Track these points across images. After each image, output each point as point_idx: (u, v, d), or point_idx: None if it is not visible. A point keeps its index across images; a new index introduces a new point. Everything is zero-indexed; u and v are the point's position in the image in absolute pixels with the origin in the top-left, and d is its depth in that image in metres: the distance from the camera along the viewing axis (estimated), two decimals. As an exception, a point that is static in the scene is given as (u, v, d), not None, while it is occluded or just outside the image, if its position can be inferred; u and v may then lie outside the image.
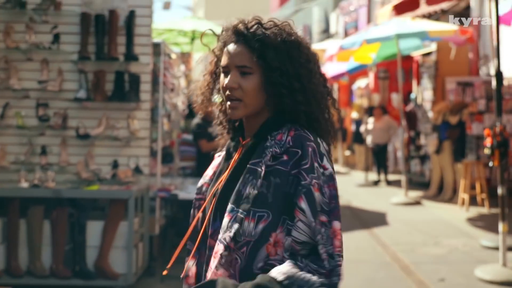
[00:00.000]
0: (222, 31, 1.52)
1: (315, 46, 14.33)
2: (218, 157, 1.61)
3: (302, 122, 1.45)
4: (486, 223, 7.53)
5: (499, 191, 5.33)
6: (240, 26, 1.47)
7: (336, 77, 12.09)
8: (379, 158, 11.37)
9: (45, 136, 4.86)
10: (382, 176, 11.51)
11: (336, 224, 1.35)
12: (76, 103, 4.82)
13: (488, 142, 5.21)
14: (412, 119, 12.37)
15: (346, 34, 16.46)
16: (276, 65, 1.44)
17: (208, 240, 1.44)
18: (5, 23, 4.75)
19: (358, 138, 13.60)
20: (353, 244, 6.62)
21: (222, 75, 1.49)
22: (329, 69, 11.75)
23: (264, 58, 1.44)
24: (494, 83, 5.30)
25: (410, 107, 13.03)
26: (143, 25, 4.84)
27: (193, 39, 8.73)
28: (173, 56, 5.52)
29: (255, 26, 1.47)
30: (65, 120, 4.83)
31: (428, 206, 8.87)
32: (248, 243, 1.35)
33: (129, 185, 4.73)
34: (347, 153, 15.46)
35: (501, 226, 5.27)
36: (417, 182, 10.75)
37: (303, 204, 1.34)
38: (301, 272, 1.27)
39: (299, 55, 1.47)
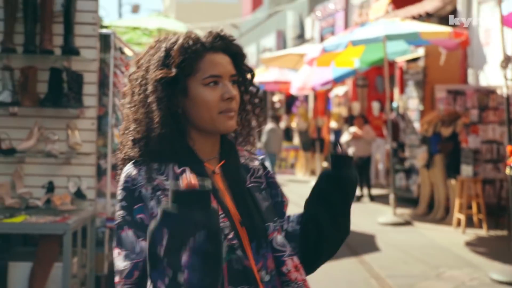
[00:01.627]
0: (190, 43, 1.41)
1: (291, 51, 13.45)
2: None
3: (245, 141, 1.56)
4: (489, 249, 6.67)
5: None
6: (221, 36, 1.46)
7: (320, 86, 11.13)
8: (362, 171, 10.47)
9: (-42, 151, 3.78)
10: (365, 191, 10.63)
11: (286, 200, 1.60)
12: (-2, 108, 3.75)
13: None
14: (394, 129, 11.59)
15: (322, 40, 15.64)
16: (243, 78, 1.50)
17: (255, 275, 1.39)
18: None
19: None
20: (343, 276, 5.66)
21: (204, 88, 1.40)
22: (311, 75, 10.78)
23: (241, 68, 1.48)
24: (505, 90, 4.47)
25: (392, 116, 12.27)
26: (87, 10, 3.81)
27: (158, 38, 7.69)
28: (128, 52, 4.47)
29: (229, 37, 1.47)
30: (-16, 130, 3.75)
31: (419, 227, 7.98)
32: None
33: (68, 214, 3.68)
34: (325, 164, 14.57)
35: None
36: (403, 198, 9.87)
37: (286, 199, 1.58)
38: None
39: (253, 70, 1.54)
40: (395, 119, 10.66)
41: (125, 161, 1.43)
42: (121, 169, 1.43)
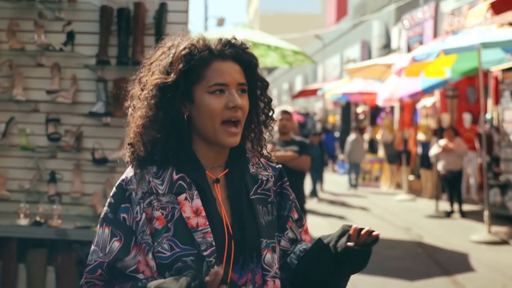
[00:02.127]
0: (196, 50, 1.42)
1: (377, 61, 13.13)
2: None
3: (256, 149, 1.54)
4: None
5: None
6: (232, 44, 1.45)
7: (408, 97, 10.76)
8: (452, 186, 9.99)
9: (55, 160, 3.92)
10: (456, 207, 10.12)
11: (306, 224, 1.60)
12: (92, 118, 3.86)
13: None
14: (487, 142, 10.98)
15: (409, 50, 15.19)
16: (255, 87, 1.48)
17: None
18: (10, 20, 3.85)
19: (425, 162, 12.24)
20: (435, 297, 5.37)
21: (209, 96, 1.40)
22: (399, 86, 10.43)
23: (252, 78, 1.46)
24: None
25: (485, 129, 11.65)
26: (177, 22, 3.84)
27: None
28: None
29: (242, 45, 1.46)
30: (79, 140, 3.87)
31: (517, 247, 7.48)
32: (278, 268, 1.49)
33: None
34: (411, 177, 14.08)
35: None
36: (497, 215, 9.30)
37: (296, 215, 1.56)
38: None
39: (266, 80, 1.52)
40: (489, 131, 10.12)
41: (131, 162, 1.44)
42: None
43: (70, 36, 3.80)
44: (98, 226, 1.40)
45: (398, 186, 14.34)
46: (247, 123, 1.48)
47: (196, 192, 1.39)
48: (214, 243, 1.36)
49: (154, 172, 1.40)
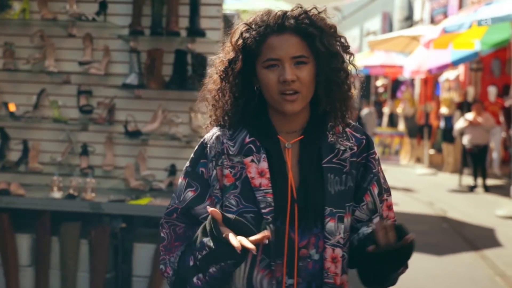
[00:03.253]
0: (254, 27, 1.49)
1: (401, 33, 12.87)
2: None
3: (338, 119, 1.53)
4: None
5: None
6: (288, 15, 1.47)
7: (437, 69, 10.54)
8: (477, 160, 9.85)
9: (87, 132, 3.87)
10: (480, 181, 10.00)
11: (390, 198, 1.60)
12: (125, 91, 3.79)
13: None
14: (510, 116, 10.79)
15: (433, 22, 14.86)
16: (326, 55, 1.47)
17: (299, 251, 1.46)
18: (41, -12, 3.76)
19: (448, 136, 12.06)
20: (466, 273, 5.31)
21: (265, 71, 1.47)
22: (427, 58, 10.20)
23: (315, 47, 1.46)
24: None
25: (508, 103, 11.43)
26: (212, -9, 3.73)
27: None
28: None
29: (303, 15, 1.47)
30: (112, 112, 3.81)
31: (545, 223, 7.37)
32: (349, 237, 1.52)
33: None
34: (431, 151, 13.93)
35: None
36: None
37: (375, 190, 1.55)
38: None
39: (341, 47, 1.52)
40: (513, 105, 9.93)
41: (211, 126, 1.57)
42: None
43: (103, 5, 3.71)
44: (180, 177, 1.55)
45: (418, 160, 14.20)
46: (325, 93, 1.50)
47: (264, 155, 1.48)
48: (273, 204, 1.45)
49: (230, 134, 1.51)
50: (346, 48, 1.53)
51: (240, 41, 1.48)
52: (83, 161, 3.80)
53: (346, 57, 1.53)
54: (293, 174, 1.49)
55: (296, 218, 1.46)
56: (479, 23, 6.88)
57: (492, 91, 11.89)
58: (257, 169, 1.47)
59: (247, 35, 1.48)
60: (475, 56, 9.59)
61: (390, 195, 1.59)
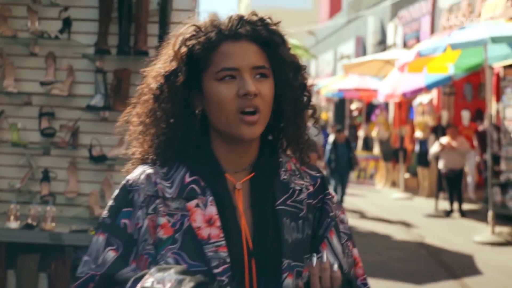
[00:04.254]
0: (201, 31, 1.21)
1: (375, 57, 12.90)
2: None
3: (284, 147, 1.30)
4: None
5: None
6: (245, 20, 1.22)
7: (411, 93, 10.56)
8: (453, 185, 9.80)
9: (49, 157, 3.63)
10: (456, 206, 9.93)
11: (355, 251, 1.30)
12: (90, 113, 3.57)
13: None
14: (485, 140, 10.81)
15: (405, 46, 14.99)
16: (290, 69, 1.24)
17: None
18: (0, 5, 3.55)
19: (423, 160, 12.04)
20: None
21: (217, 84, 1.19)
22: (401, 81, 10.19)
23: (277, 59, 1.22)
24: None
25: (482, 127, 11.47)
26: (184, 9, 3.56)
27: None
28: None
29: (259, 22, 1.23)
30: (75, 135, 3.58)
31: (523, 249, 7.30)
32: None
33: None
34: (406, 175, 13.89)
35: None
36: (498, 215, 9.10)
37: (334, 238, 1.27)
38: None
39: (298, 60, 1.28)
40: (487, 129, 9.94)
41: (137, 162, 1.28)
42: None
43: (67, 23, 3.50)
44: (95, 233, 1.24)
45: (394, 184, 14.15)
46: (277, 116, 1.25)
47: (211, 198, 1.20)
48: (228, 259, 1.16)
49: (163, 173, 1.22)
50: (303, 67, 1.28)
51: (184, 49, 1.21)
52: (44, 188, 3.55)
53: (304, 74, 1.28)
54: (246, 221, 1.22)
55: (254, 276, 1.19)
56: (454, 47, 6.85)
57: (465, 115, 11.96)
58: (204, 216, 1.18)
59: (193, 41, 1.21)
60: (449, 80, 9.63)
61: (353, 245, 1.32)
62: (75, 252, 3.37)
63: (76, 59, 3.58)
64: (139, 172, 1.23)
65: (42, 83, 3.52)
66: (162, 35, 3.44)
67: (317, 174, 1.32)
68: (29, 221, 3.31)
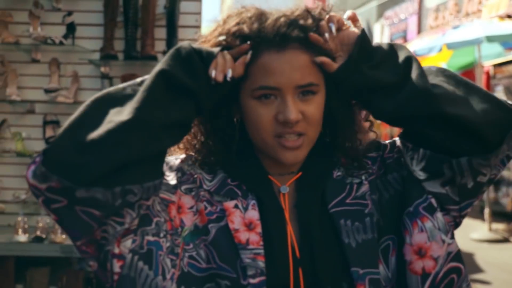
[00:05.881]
0: (235, 33, 1.05)
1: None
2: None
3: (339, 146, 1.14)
4: None
5: None
6: (296, 22, 1.03)
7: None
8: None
9: (54, 166, 3.52)
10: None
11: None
12: (96, 120, 3.47)
13: None
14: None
15: (392, 46, 15.05)
16: (342, 79, 1.05)
17: None
18: (1, 10, 3.45)
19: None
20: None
21: (255, 102, 1.03)
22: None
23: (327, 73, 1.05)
24: None
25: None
26: (191, 12, 3.50)
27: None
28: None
29: (310, 22, 1.04)
30: (82, 144, 3.48)
31: (521, 245, 7.33)
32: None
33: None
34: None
35: None
36: (492, 212, 9.15)
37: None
38: None
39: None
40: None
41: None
42: None
43: (71, 28, 3.41)
44: None
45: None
46: (331, 125, 1.12)
47: (253, 201, 1.06)
48: (265, 271, 1.01)
49: (206, 168, 1.11)
50: None
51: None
52: (50, 198, 3.45)
53: None
54: (292, 228, 1.07)
55: (302, 286, 1.04)
56: (449, 46, 6.87)
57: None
58: (243, 219, 1.04)
59: (231, 47, 1.06)
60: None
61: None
62: (87, 264, 3.28)
63: (81, 64, 3.50)
64: (179, 157, 1.13)
65: (47, 91, 3.43)
66: (170, 39, 3.38)
67: (376, 155, 1.14)
68: (38, 233, 3.21)
